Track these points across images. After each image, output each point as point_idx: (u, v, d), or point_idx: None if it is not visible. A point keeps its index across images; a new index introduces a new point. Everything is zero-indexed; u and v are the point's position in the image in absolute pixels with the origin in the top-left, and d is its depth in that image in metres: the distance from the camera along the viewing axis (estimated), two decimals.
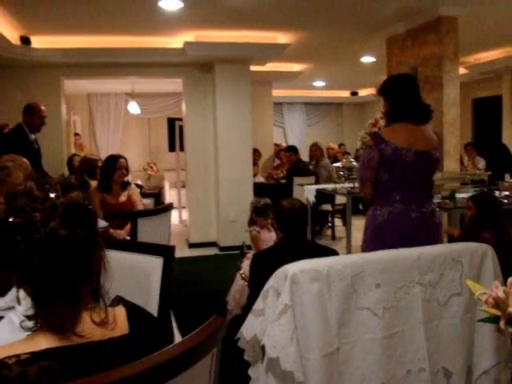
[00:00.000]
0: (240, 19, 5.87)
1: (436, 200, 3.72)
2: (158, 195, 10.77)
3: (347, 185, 5.89)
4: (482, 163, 8.07)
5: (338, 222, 8.31)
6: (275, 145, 10.69)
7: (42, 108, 5.17)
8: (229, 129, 7.17)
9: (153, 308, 2.10)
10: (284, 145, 11.00)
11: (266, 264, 2.52)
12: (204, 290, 5.32)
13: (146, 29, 6.14)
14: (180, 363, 1.09)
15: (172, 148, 11.21)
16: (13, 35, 5.95)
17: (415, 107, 2.89)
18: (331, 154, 9.89)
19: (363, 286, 2.13)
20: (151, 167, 11.43)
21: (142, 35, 6.41)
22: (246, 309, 2.55)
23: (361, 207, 8.05)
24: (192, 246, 7.54)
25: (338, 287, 2.08)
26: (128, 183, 4.76)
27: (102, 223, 3.62)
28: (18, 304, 1.21)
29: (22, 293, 1.17)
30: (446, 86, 5.49)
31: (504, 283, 1.75)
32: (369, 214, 2.98)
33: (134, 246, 2.72)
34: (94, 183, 5.24)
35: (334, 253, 2.79)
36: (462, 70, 7.26)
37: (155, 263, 2.21)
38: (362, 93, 12.68)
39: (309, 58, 8.22)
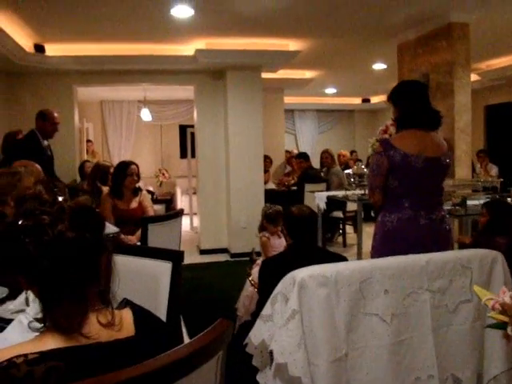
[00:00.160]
0: (251, 26, 5.90)
1: (447, 207, 3.70)
2: (169, 201, 10.82)
3: (358, 192, 5.84)
4: (494, 170, 8.01)
5: (349, 229, 8.29)
6: (286, 152, 10.69)
7: (55, 115, 5.21)
8: (240, 136, 7.19)
9: (162, 312, 2.12)
10: (295, 152, 10.97)
11: (274, 270, 2.52)
12: (214, 296, 5.34)
13: (158, 36, 6.20)
14: (186, 365, 1.09)
15: (184, 155, 11.28)
16: (27, 43, 6.04)
17: (425, 113, 2.88)
18: (342, 160, 9.88)
19: (371, 292, 2.12)
20: (163, 174, 11.49)
21: (153, 43, 6.47)
22: (255, 315, 2.55)
23: (373, 214, 8.01)
24: (203, 252, 7.56)
25: (346, 293, 2.08)
26: (139, 189, 4.80)
27: (113, 228, 3.63)
28: (27, 306, 1.23)
29: (31, 296, 1.19)
30: (457, 92, 5.48)
31: None
32: (378, 220, 2.97)
33: (143, 250, 2.74)
34: (105, 189, 5.28)
35: (344, 259, 2.78)
36: (473, 77, 7.23)
37: (164, 268, 2.23)
38: (374, 100, 12.66)
39: (320, 64, 8.23)
